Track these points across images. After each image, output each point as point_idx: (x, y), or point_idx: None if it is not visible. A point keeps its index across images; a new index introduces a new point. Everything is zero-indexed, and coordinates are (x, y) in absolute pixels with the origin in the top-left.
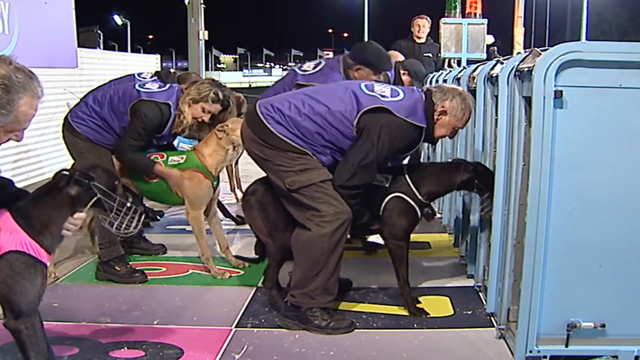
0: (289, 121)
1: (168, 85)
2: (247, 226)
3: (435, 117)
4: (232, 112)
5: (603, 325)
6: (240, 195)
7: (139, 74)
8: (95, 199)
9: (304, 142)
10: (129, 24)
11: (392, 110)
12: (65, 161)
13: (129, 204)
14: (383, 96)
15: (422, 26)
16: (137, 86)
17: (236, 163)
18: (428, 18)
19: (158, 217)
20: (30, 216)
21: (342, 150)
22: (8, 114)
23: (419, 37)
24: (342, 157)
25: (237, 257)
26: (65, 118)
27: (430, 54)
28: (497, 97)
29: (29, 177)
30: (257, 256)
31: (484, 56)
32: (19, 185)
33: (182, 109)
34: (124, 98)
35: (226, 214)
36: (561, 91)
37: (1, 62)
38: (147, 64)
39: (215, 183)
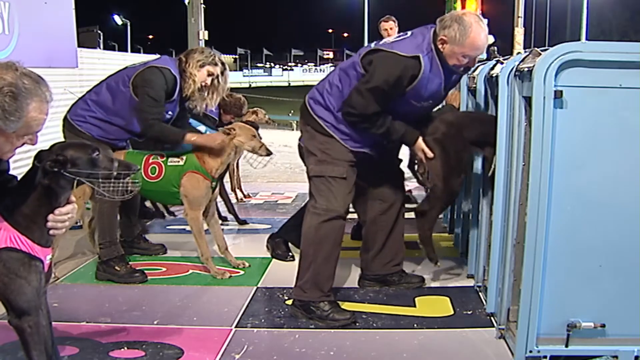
0: (323, 98)
1: (158, 56)
2: (248, 226)
3: (440, 47)
4: (225, 78)
5: (603, 325)
6: (240, 195)
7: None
8: (75, 181)
9: (330, 113)
10: (129, 24)
11: (382, 48)
12: None
13: (115, 173)
14: (383, 43)
15: (389, 29)
16: (130, 66)
17: (237, 164)
18: (394, 19)
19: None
20: (14, 211)
21: None
22: (18, 120)
23: None
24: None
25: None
26: (65, 118)
27: None
28: (497, 96)
29: None
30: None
31: (484, 56)
32: None
33: (193, 73)
34: (122, 77)
35: (235, 215)
36: (561, 91)
37: (7, 69)
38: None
39: (214, 184)
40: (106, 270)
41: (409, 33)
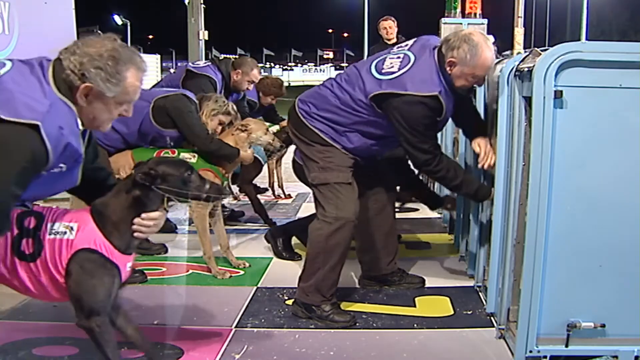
0: (315, 110)
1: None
2: (248, 226)
3: (449, 70)
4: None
5: (603, 325)
6: (279, 192)
7: (192, 62)
8: (165, 196)
9: (330, 127)
10: (129, 24)
11: (397, 91)
12: None
13: (204, 195)
14: (391, 73)
15: (389, 27)
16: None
17: (279, 162)
18: (393, 19)
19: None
20: (103, 215)
21: (369, 133)
22: (117, 84)
23: (389, 39)
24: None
25: None
26: None
27: None
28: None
29: None
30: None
31: None
32: None
33: (206, 121)
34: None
35: (265, 220)
36: (561, 91)
37: (108, 39)
38: (147, 64)
39: (224, 183)
40: None
41: (411, 58)
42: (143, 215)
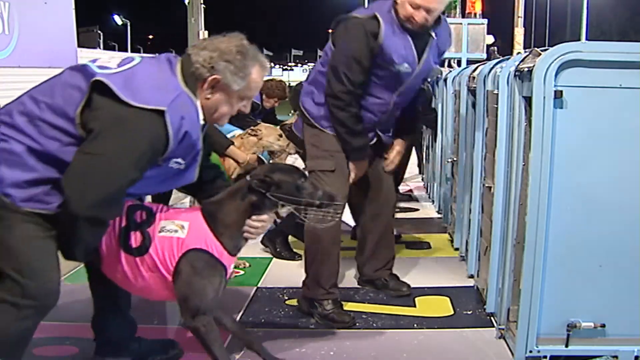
0: (309, 87)
1: None
2: None
3: (395, 8)
4: None
5: (603, 325)
6: None
7: None
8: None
9: (315, 105)
10: (129, 24)
11: (342, 17)
12: None
13: (318, 202)
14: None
15: None
16: None
17: None
18: None
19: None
20: (215, 216)
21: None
22: (243, 79)
23: None
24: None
25: None
26: None
27: None
28: (497, 95)
29: None
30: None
31: (484, 56)
32: None
33: None
34: None
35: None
36: (561, 91)
37: (236, 36)
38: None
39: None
40: None
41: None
42: (253, 217)
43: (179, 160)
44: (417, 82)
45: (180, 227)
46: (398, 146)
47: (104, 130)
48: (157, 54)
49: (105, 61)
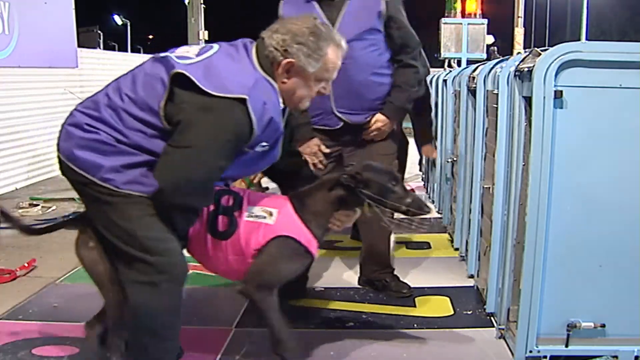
0: None
1: None
2: None
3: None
4: None
5: (603, 325)
6: None
7: None
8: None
9: None
10: (129, 24)
11: None
12: None
13: (403, 208)
14: None
15: None
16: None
17: None
18: None
19: None
20: (303, 205)
21: None
22: (318, 60)
23: None
24: None
25: None
26: None
27: None
28: (497, 95)
29: (29, 177)
30: None
31: (484, 56)
32: (19, 185)
33: None
34: None
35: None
36: (561, 91)
37: (308, 17)
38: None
39: (252, 189)
40: None
41: None
42: (340, 211)
43: (264, 143)
44: (356, 47)
45: (269, 213)
46: (379, 122)
47: (189, 123)
48: (233, 41)
49: (185, 51)
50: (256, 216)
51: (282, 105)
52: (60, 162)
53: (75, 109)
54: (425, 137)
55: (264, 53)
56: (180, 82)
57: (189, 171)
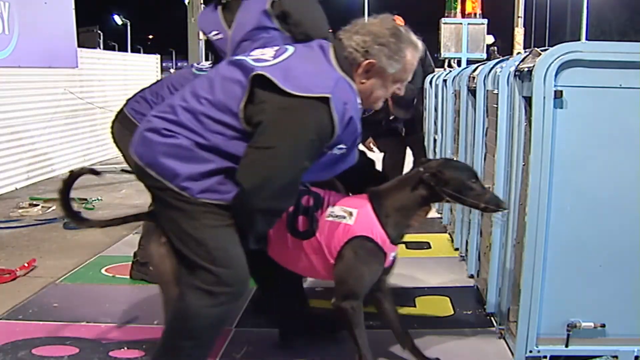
0: None
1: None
2: None
3: None
4: None
5: (603, 325)
6: None
7: (197, 63)
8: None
9: None
10: (129, 24)
11: None
12: (66, 161)
13: (482, 205)
14: None
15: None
16: (194, 68)
17: None
18: (400, 18)
19: None
20: (383, 205)
21: None
22: (398, 61)
23: None
24: None
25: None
26: (121, 113)
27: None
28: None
29: (29, 177)
30: None
31: (484, 56)
32: (19, 185)
33: None
34: (182, 78)
35: None
36: (561, 91)
37: (387, 18)
38: (147, 64)
39: None
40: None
41: None
42: (421, 209)
43: (342, 145)
44: (247, 47)
45: (348, 213)
46: None
47: (271, 123)
48: (308, 42)
49: (260, 53)
50: (336, 216)
51: (360, 106)
52: (137, 167)
53: (152, 115)
54: (420, 155)
55: (343, 54)
56: (261, 83)
57: (272, 172)
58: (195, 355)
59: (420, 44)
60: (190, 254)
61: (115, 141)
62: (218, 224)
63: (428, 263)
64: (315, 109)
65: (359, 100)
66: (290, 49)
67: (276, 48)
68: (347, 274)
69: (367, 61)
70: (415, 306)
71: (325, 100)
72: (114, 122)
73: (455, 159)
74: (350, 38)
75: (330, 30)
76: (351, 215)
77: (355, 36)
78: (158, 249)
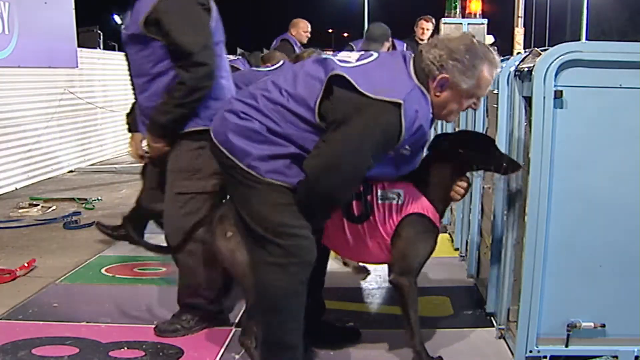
0: None
1: (237, 57)
2: None
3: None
4: None
5: (603, 325)
6: None
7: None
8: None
9: None
10: None
11: None
12: (66, 161)
13: (504, 167)
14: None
15: (426, 29)
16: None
17: None
18: (433, 20)
19: None
20: (425, 182)
21: None
22: (472, 77)
23: (422, 39)
24: None
25: None
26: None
27: None
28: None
29: (29, 177)
30: None
31: None
32: (19, 185)
33: None
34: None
35: None
36: (561, 91)
37: (465, 36)
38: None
39: None
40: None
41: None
42: (459, 182)
43: (407, 147)
44: (132, 50)
45: (397, 194)
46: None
47: (344, 121)
48: (393, 51)
49: (346, 55)
50: (387, 198)
51: (431, 116)
52: (212, 144)
53: (234, 97)
54: None
55: (421, 65)
56: (339, 83)
57: (337, 164)
58: (289, 328)
59: (498, 60)
60: (258, 228)
61: (130, 130)
62: (284, 202)
63: (428, 263)
64: (387, 111)
65: (431, 110)
66: (374, 55)
67: (361, 53)
68: (406, 249)
69: (442, 75)
70: None
71: (397, 105)
72: (128, 114)
73: (470, 131)
74: (429, 51)
75: (331, 31)
76: (399, 195)
77: (433, 49)
78: (226, 244)
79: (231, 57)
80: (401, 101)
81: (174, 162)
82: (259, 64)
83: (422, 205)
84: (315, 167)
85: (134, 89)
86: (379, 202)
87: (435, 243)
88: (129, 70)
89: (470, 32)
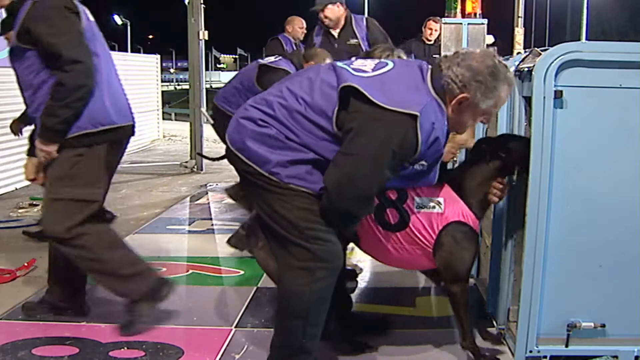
0: None
1: (278, 57)
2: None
3: None
4: None
5: (603, 325)
6: None
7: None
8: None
9: None
10: (129, 24)
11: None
12: None
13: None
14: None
15: (434, 30)
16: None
17: None
18: (441, 21)
19: None
20: (462, 186)
21: None
22: (491, 98)
23: (429, 40)
24: None
25: None
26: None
27: (437, 55)
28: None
29: None
30: None
31: None
32: (19, 185)
33: None
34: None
35: None
36: (561, 91)
37: (488, 55)
38: (147, 64)
39: None
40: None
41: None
42: (495, 183)
43: (423, 162)
44: (16, 65)
45: (437, 202)
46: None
47: (359, 132)
48: (408, 61)
49: (361, 64)
50: (427, 207)
51: (447, 128)
52: (229, 151)
53: (249, 104)
54: None
55: (440, 81)
56: (355, 93)
57: (353, 175)
58: (309, 334)
59: (513, 80)
60: (285, 234)
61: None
62: (307, 206)
63: None
64: (403, 123)
65: (446, 123)
66: (390, 64)
67: (376, 61)
68: (450, 259)
69: (463, 95)
70: (415, 306)
71: (414, 117)
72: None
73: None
74: (449, 68)
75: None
76: (440, 204)
77: (455, 67)
78: (258, 253)
79: (271, 58)
80: (418, 113)
81: (53, 169)
82: (302, 62)
83: (462, 213)
84: (332, 179)
85: (25, 105)
86: (417, 209)
87: (478, 247)
88: (18, 85)
89: (492, 52)
